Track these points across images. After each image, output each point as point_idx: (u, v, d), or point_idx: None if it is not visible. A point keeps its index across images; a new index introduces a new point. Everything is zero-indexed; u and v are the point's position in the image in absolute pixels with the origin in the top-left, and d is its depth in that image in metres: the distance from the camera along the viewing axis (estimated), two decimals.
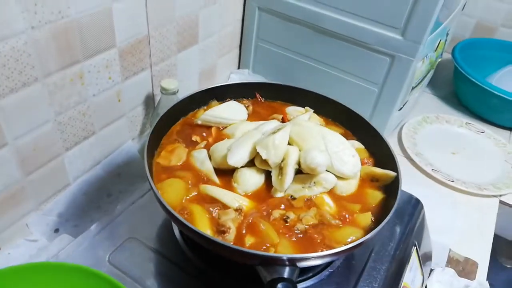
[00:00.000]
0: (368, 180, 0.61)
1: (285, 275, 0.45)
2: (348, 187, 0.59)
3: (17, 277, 0.43)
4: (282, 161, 0.56)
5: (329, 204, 0.57)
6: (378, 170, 0.61)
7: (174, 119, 0.66)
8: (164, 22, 0.80)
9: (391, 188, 0.59)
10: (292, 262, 0.46)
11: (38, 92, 0.62)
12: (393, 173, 0.59)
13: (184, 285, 0.56)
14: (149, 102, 0.87)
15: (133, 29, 0.74)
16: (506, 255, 1.14)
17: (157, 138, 0.61)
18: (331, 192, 0.58)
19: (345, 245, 0.50)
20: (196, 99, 0.68)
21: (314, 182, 0.57)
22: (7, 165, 0.62)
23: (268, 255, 0.46)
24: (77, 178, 0.78)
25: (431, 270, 0.78)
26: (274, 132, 0.56)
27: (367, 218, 0.55)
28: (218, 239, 0.47)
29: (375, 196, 0.58)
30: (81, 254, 0.59)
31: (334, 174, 0.58)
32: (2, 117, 0.58)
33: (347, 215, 0.56)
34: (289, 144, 0.59)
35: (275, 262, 0.46)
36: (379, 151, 0.65)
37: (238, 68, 1.13)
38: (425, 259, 0.74)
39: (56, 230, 0.75)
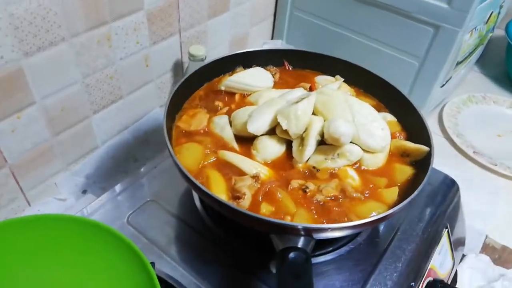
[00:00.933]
0: (398, 155, 0.57)
1: (299, 245, 0.43)
2: (375, 161, 0.56)
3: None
4: (304, 132, 0.54)
5: (352, 177, 0.54)
6: (410, 144, 0.57)
7: (198, 84, 0.65)
8: None
9: (422, 164, 0.55)
10: (308, 232, 0.44)
11: (65, 52, 0.62)
12: (425, 148, 0.55)
13: (199, 249, 0.56)
14: (178, 69, 0.86)
15: None
16: None
17: (179, 101, 0.60)
18: (357, 165, 0.55)
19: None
20: (222, 64, 0.66)
21: (338, 154, 0.54)
22: (36, 124, 0.64)
23: (282, 223, 0.44)
24: (105, 142, 0.79)
25: (463, 256, 0.74)
26: (297, 102, 0.54)
27: (393, 193, 0.51)
28: (230, 203, 0.46)
29: (404, 171, 0.54)
30: (103, 213, 0.60)
31: (361, 147, 0.55)
32: (29, 75, 0.59)
33: (371, 190, 0.53)
34: (313, 114, 0.56)
35: (289, 231, 0.44)
36: (412, 125, 0.60)
37: (272, 38, 1.10)
38: (457, 244, 0.70)
39: (84, 191, 0.77)
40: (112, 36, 0.68)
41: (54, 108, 0.65)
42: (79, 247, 0.45)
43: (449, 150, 0.95)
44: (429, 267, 0.59)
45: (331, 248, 0.57)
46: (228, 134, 0.56)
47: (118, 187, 0.63)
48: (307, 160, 0.54)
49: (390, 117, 0.63)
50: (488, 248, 0.77)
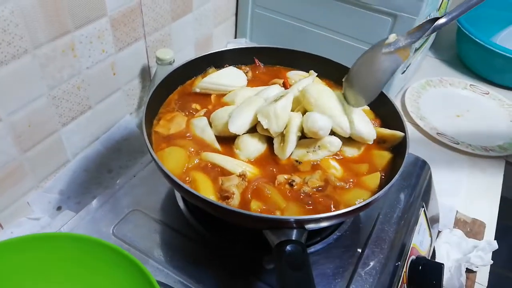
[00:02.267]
0: (375, 142, 0.59)
1: (294, 237, 0.44)
2: (354, 149, 0.58)
3: (19, 248, 0.42)
4: (284, 129, 0.55)
5: (335, 167, 0.55)
6: (386, 131, 0.59)
7: (171, 88, 0.64)
8: None
9: (398, 149, 0.57)
10: (300, 224, 0.45)
11: (29, 64, 0.60)
12: (401, 133, 0.58)
13: (190, 254, 0.55)
14: (145, 74, 0.84)
15: None
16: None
17: (154, 107, 0.59)
18: (337, 155, 0.57)
19: None
20: (193, 66, 0.65)
21: (319, 146, 0.56)
22: (3, 142, 0.61)
23: (275, 218, 0.44)
24: (76, 155, 0.76)
25: (439, 232, 0.78)
26: (276, 100, 0.55)
27: (375, 179, 0.53)
28: (222, 203, 0.46)
29: (383, 156, 0.57)
30: (84, 228, 0.58)
31: (351, 136, 0.56)
32: None
33: (354, 178, 0.54)
34: (306, 109, 0.56)
35: (282, 225, 0.45)
36: (385, 113, 0.63)
37: (235, 37, 1.10)
38: (432, 221, 0.74)
39: (59, 208, 0.74)
40: (76, 45, 0.66)
41: (21, 124, 0.63)
42: (84, 265, 0.44)
43: (414, 133, 1.00)
44: (411, 246, 0.62)
45: (319, 238, 0.58)
46: (209, 136, 0.56)
47: (96, 202, 0.62)
48: (290, 155, 0.55)
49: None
50: (459, 223, 0.82)
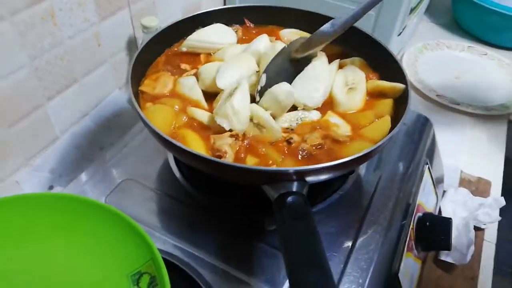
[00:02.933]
0: (375, 95, 0.57)
1: (294, 189, 0.42)
2: (353, 103, 0.55)
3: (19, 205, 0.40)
4: (255, 120, 0.50)
5: (336, 124, 0.52)
6: (385, 84, 0.56)
7: (158, 51, 0.61)
8: None
9: (400, 101, 0.55)
10: (300, 175, 0.42)
11: (7, 32, 0.56)
12: (401, 85, 0.55)
13: (188, 220, 0.53)
14: (132, 46, 0.81)
15: None
16: None
17: (141, 69, 0.56)
18: (337, 112, 0.54)
19: None
20: (179, 28, 0.62)
21: (301, 119, 0.53)
22: None
23: (273, 169, 0.42)
24: (65, 131, 0.73)
25: (444, 192, 0.75)
26: (230, 95, 0.49)
27: (380, 125, 0.51)
28: (217, 159, 0.43)
29: (386, 103, 0.54)
30: None
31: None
32: None
33: (356, 130, 0.52)
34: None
35: (281, 177, 0.42)
36: (383, 66, 0.60)
37: (224, 4, 1.06)
38: (437, 181, 0.71)
39: (51, 187, 0.71)
40: (56, 12, 0.62)
41: (3, 96, 0.59)
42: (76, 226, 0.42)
43: (413, 97, 0.97)
44: (417, 203, 0.60)
45: (321, 198, 0.56)
46: (197, 95, 0.53)
47: (85, 174, 0.59)
48: None
49: (359, 60, 0.62)
50: (464, 182, 0.79)
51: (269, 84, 0.51)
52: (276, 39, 0.62)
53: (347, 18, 0.52)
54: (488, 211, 0.71)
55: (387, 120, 0.51)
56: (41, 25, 0.61)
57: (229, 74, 0.52)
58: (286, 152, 0.49)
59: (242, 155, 0.48)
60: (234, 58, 0.54)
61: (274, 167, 0.44)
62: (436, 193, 0.69)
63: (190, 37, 0.59)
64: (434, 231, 0.58)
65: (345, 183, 0.59)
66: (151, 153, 0.61)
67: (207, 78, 0.52)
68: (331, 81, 0.57)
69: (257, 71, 0.55)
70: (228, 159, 0.46)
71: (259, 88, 0.52)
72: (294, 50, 0.55)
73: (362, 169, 0.61)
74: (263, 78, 0.52)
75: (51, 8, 0.61)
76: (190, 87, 0.53)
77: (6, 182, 0.65)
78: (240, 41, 0.63)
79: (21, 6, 0.57)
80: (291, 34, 0.65)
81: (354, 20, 0.52)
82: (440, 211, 0.71)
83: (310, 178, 0.44)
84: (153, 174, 0.59)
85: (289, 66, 0.55)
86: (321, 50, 0.59)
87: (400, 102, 0.54)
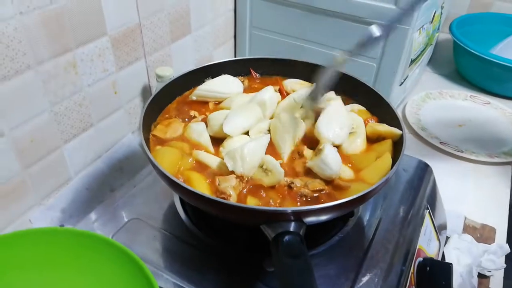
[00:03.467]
0: (374, 139, 0.60)
1: (291, 229, 0.44)
2: (355, 146, 0.58)
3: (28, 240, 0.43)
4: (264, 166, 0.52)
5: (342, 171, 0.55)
6: (383, 128, 0.59)
7: (170, 99, 0.65)
8: (154, 10, 0.80)
9: (397, 146, 0.57)
10: (297, 215, 0.44)
11: (32, 80, 0.62)
12: (398, 131, 0.58)
13: (190, 259, 0.54)
14: (146, 94, 0.86)
15: (123, 17, 0.74)
16: None
17: (152, 115, 0.60)
18: (341, 154, 0.56)
19: None
20: (190, 78, 0.67)
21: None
22: (6, 157, 0.62)
23: (272, 209, 0.44)
24: (78, 172, 0.77)
25: (447, 238, 0.76)
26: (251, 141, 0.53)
27: (379, 167, 0.53)
28: (219, 198, 0.46)
29: (385, 143, 0.57)
30: None
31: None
32: None
33: (356, 174, 0.54)
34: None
35: (279, 217, 0.44)
36: (381, 115, 0.63)
37: (235, 56, 1.13)
38: (440, 228, 0.72)
39: (61, 226, 0.74)
40: (78, 63, 0.68)
41: (24, 139, 0.64)
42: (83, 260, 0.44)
43: (416, 144, 0.99)
44: (417, 247, 0.60)
45: (322, 241, 0.57)
46: (205, 140, 0.57)
47: (94, 213, 0.62)
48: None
49: (358, 107, 0.65)
50: (469, 229, 0.79)
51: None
52: (279, 88, 0.67)
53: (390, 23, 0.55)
54: (493, 257, 0.70)
55: (386, 159, 0.54)
56: (63, 74, 0.66)
57: (236, 121, 0.56)
58: (286, 194, 0.51)
59: (245, 192, 0.50)
60: (241, 107, 0.58)
61: (272, 207, 0.46)
62: (439, 239, 0.70)
63: (200, 87, 0.63)
64: (435, 276, 0.58)
65: (346, 226, 0.60)
66: (159, 195, 0.64)
67: (215, 124, 0.56)
68: (350, 122, 0.60)
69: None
70: (231, 201, 0.49)
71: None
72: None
73: (362, 212, 0.63)
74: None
75: (74, 60, 0.67)
76: (200, 132, 0.57)
77: (19, 220, 0.68)
78: (246, 90, 0.68)
79: (46, 57, 0.63)
80: (293, 84, 0.69)
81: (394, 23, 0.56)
82: (444, 257, 0.71)
83: (307, 219, 0.45)
84: (160, 215, 0.61)
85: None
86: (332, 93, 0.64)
87: (398, 145, 0.57)
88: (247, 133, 0.58)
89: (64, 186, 0.75)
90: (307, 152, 0.56)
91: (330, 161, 0.51)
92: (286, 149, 0.56)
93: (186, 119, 0.61)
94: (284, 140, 0.56)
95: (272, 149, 0.56)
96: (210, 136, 0.57)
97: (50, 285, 0.43)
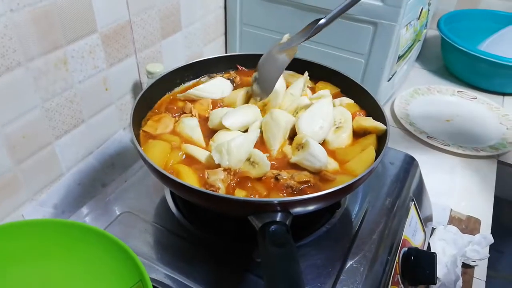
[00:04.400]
0: (360, 134, 0.61)
1: (277, 219, 0.45)
2: (341, 140, 0.59)
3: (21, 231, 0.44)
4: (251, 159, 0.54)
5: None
6: (368, 123, 0.60)
7: (160, 95, 0.66)
8: (145, 7, 0.81)
9: (382, 139, 0.59)
10: (283, 206, 0.45)
11: (22, 76, 0.62)
12: (382, 126, 0.59)
13: (181, 251, 0.56)
14: (137, 90, 0.87)
15: (113, 14, 0.74)
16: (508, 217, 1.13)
17: (143, 110, 0.61)
18: (327, 149, 0.58)
19: None
20: (181, 74, 0.68)
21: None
22: None
23: (258, 200, 0.45)
24: (70, 168, 0.78)
25: (433, 229, 0.77)
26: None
27: (370, 153, 0.55)
28: (207, 190, 0.47)
29: (370, 137, 0.59)
30: None
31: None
32: None
33: (343, 166, 0.55)
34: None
35: (266, 208, 0.45)
36: (369, 109, 0.64)
37: (226, 53, 1.14)
38: (426, 220, 0.74)
39: None
40: (69, 59, 0.69)
41: (15, 135, 0.64)
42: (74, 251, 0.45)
43: (405, 139, 1.01)
44: (402, 237, 0.62)
45: (309, 232, 0.59)
46: (197, 135, 0.58)
47: (86, 208, 0.63)
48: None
49: (348, 100, 0.66)
50: (454, 220, 0.81)
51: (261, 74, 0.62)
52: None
53: (334, 13, 0.59)
54: (477, 248, 0.72)
55: (370, 151, 0.55)
56: (54, 71, 0.67)
57: (234, 116, 0.58)
58: (272, 186, 0.52)
59: (234, 185, 0.51)
60: (241, 106, 0.61)
61: (259, 198, 0.48)
62: (424, 230, 0.71)
63: (189, 91, 0.64)
64: (419, 265, 0.60)
65: (333, 218, 0.62)
66: (150, 189, 0.65)
67: (215, 118, 0.59)
68: (332, 121, 0.61)
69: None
70: (220, 193, 0.50)
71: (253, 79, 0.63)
72: (278, 49, 0.62)
73: (349, 204, 0.64)
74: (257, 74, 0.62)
75: (64, 56, 0.68)
76: (192, 127, 0.58)
77: (12, 215, 0.69)
78: (239, 86, 0.69)
79: (36, 54, 0.63)
80: (287, 76, 0.70)
81: (339, 14, 0.59)
82: (429, 248, 0.73)
83: (293, 209, 0.47)
84: (151, 208, 0.62)
85: (276, 59, 0.62)
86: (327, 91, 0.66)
87: (382, 139, 0.58)
88: (245, 130, 0.59)
89: (56, 181, 0.75)
90: (287, 148, 0.56)
91: (318, 153, 0.53)
92: (276, 146, 0.57)
93: (177, 115, 0.62)
94: (274, 137, 0.57)
95: (264, 146, 0.57)
96: (210, 129, 0.58)
97: (42, 276, 0.44)
